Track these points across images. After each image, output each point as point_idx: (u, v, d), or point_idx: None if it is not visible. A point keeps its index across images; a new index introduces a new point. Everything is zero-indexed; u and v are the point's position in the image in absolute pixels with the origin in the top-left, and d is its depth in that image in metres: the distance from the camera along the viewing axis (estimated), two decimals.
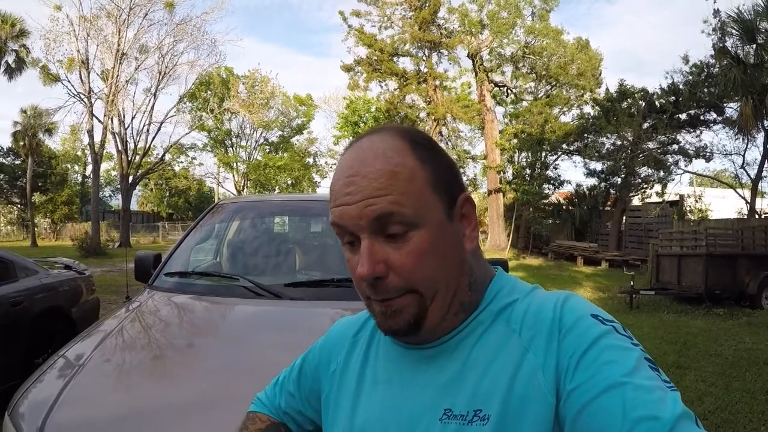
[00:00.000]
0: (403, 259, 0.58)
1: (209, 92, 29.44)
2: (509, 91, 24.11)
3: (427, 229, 0.58)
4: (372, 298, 0.60)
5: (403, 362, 0.66)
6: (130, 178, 23.47)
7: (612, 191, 19.61)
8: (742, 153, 14.37)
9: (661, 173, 16.81)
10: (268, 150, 37.24)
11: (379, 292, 0.59)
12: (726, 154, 15.52)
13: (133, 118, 23.47)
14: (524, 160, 22.88)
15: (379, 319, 0.62)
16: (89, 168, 30.41)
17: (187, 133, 28.28)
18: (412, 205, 0.58)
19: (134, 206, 36.57)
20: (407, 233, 0.58)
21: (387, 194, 0.57)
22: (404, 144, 0.60)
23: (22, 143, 25.91)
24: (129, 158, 23.12)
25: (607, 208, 20.15)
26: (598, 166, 19.34)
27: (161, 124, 24.49)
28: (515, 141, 22.09)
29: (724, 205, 17.80)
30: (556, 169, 21.82)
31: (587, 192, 20.53)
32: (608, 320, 0.57)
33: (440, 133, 22.81)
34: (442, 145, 23.23)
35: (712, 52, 13.57)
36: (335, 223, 0.61)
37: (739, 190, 13.97)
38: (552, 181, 21.17)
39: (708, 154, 15.93)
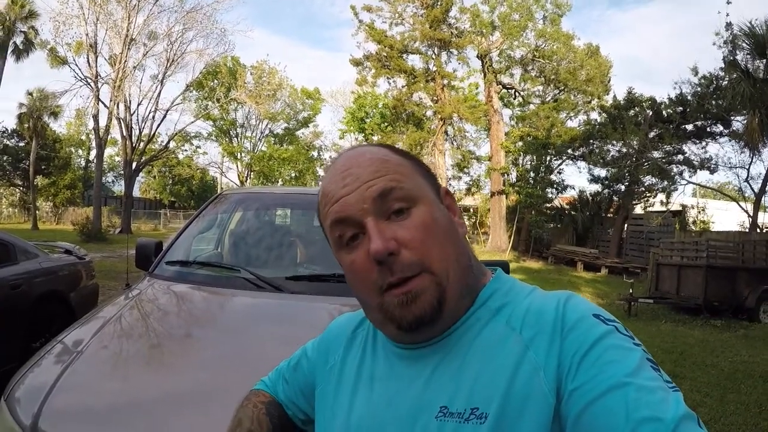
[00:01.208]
0: (412, 233, 0.59)
1: (216, 81, 29.41)
2: (517, 94, 24.05)
3: (426, 205, 0.62)
4: (388, 282, 0.58)
5: (400, 359, 0.66)
6: (134, 165, 23.50)
7: (615, 198, 19.61)
8: (747, 167, 14.35)
9: (665, 183, 16.79)
10: (273, 142, 37.22)
11: (396, 270, 0.58)
12: (731, 167, 15.47)
13: (139, 104, 23.58)
14: (529, 163, 22.89)
15: (398, 312, 0.59)
16: (93, 153, 30.59)
17: (192, 122, 28.42)
18: (407, 182, 0.62)
19: (137, 193, 36.55)
20: (409, 210, 0.60)
21: (384, 175, 0.61)
22: (386, 149, 0.67)
23: (26, 125, 25.89)
24: (133, 144, 23.14)
25: (610, 215, 20.16)
26: (602, 172, 19.39)
27: (167, 111, 24.60)
28: (521, 144, 22.08)
29: (727, 218, 17.79)
30: (560, 173, 21.88)
31: (590, 198, 20.55)
32: (610, 320, 0.56)
33: (446, 132, 22.74)
34: (447, 144, 23.32)
35: (722, 65, 13.52)
36: (337, 220, 0.61)
37: (742, 204, 13.93)
38: (555, 186, 21.20)
39: (713, 165, 15.87)
